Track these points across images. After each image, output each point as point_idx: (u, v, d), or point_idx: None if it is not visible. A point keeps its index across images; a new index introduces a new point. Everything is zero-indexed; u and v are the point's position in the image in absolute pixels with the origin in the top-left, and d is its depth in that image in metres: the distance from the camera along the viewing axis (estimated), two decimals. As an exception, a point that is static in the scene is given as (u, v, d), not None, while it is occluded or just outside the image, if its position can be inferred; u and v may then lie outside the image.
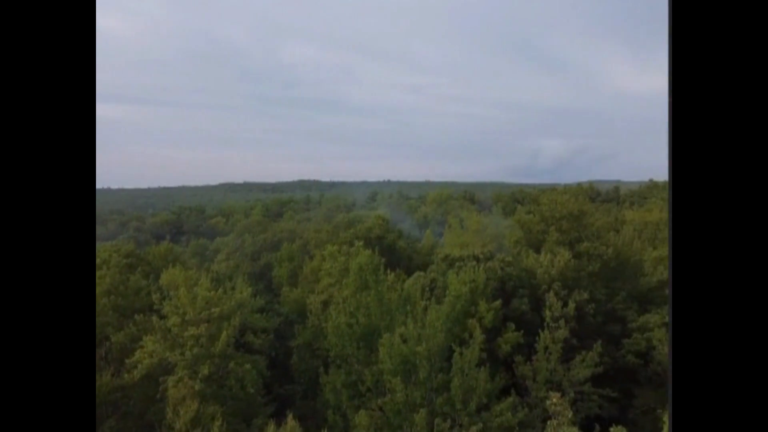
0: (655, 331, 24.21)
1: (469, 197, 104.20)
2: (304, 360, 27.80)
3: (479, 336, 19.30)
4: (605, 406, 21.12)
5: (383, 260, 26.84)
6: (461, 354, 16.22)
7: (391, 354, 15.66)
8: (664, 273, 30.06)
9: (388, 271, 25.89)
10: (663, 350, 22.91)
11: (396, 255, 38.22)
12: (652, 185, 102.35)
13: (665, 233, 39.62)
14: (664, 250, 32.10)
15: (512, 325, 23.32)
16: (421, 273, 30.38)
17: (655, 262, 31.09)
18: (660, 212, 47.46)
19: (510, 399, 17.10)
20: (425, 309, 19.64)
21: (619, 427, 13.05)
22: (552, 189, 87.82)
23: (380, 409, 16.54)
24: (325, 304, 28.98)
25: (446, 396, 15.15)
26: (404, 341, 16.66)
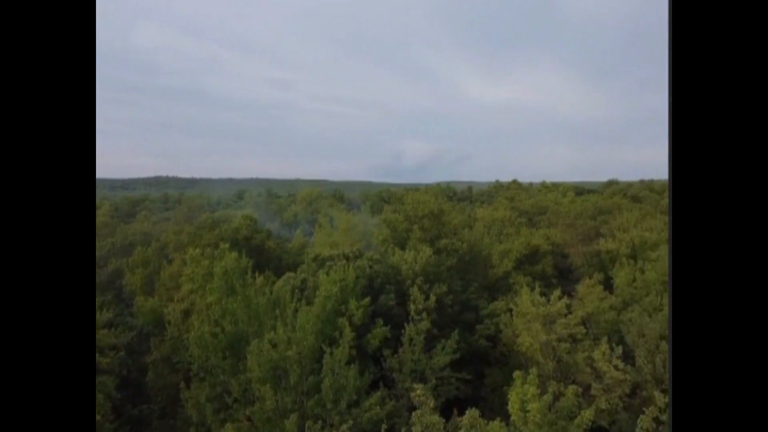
0: (502, 316, 27.36)
1: (338, 196, 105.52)
2: (162, 376, 25.49)
3: (349, 334, 19.76)
4: (462, 388, 23.26)
5: (251, 262, 25.87)
6: (331, 354, 16.45)
7: (260, 361, 15.21)
8: (509, 264, 34.09)
9: (257, 274, 25.02)
10: (508, 333, 25.97)
11: (265, 256, 37.08)
12: (498, 186, 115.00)
13: (509, 229, 44.92)
14: (509, 244, 36.41)
15: (380, 321, 24.31)
16: (292, 274, 29.97)
17: (501, 255, 35.06)
18: (504, 210, 53.60)
19: (378, 393, 17.85)
20: (295, 311, 19.45)
21: (473, 409, 14.52)
22: (415, 189, 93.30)
23: (248, 419, 15.97)
24: (186, 313, 26.93)
25: (317, 398, 15.25)
26: (274, 346, 16.31)
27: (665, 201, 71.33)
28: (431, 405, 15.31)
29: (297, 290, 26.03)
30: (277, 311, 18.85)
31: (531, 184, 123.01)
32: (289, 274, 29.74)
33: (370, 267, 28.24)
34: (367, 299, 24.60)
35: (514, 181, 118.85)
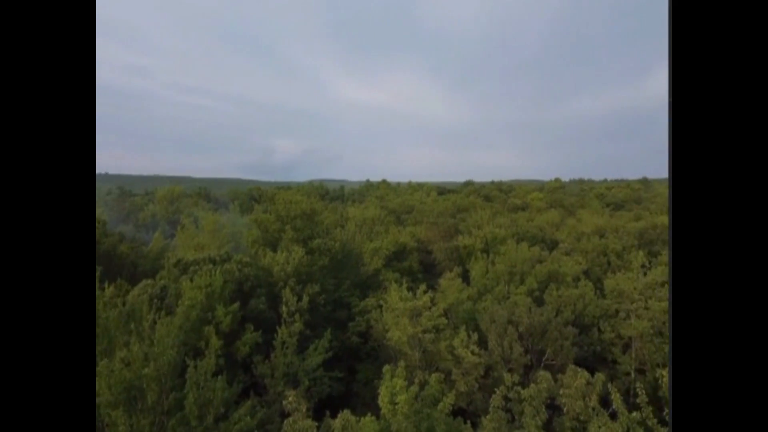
0: (373, 312, 28.39)
1: (204, 194, 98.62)
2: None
3: (216, 343, 18.71)
4: (334, 386, 23.60)
5: (99, 270, 22.93)
6: (196, 367, 15.42)
7: (110, 383, 13.58)
8: (379, 262, 35.44)
9: (106, 284, 22.26)
10: (378, 328, 27.04)
11: (116, 263, 33.15)
12: (369, 185, 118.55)
13: (379, 228, 46.69)
14: (379, 243, 37.85)
15: (251, 326, 23.46)
16: (149, 281, 27.28)
17: (372, 253, 36.29)
18: (375, 209, 55.53)
19: (248, 402, 17.24)
20: (153, 323, 17.78)
21: (346, 411, 14.87)
22: (287, 188, 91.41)
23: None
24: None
25: (180, 416, 14.16)
26: (127, 365, 14.72)
27: (511, 200, 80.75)
28: (304, 410, 15.30)
29: (156, 299, 23.80)
30: (132, 325, 17.02)
31: (399, 183, 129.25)
32: (146, 282, 27.04)
33: (240, 270, 27.05)
34: (236, 304, 23.54)
35: (384, 181, 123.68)
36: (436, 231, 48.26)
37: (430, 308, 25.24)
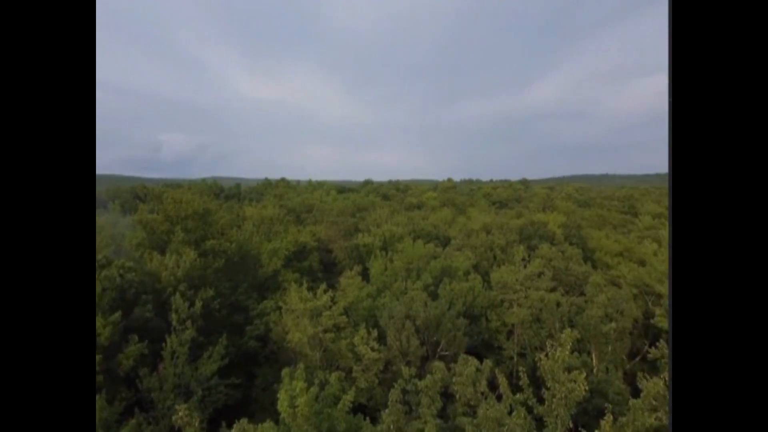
0: (272, 315, 27.69)
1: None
2: None
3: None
4: (231, 394, 22.62)
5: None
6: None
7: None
8: (278, 263, 34.62)
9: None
10: (278, 330, 26.44)
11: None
12: (267, 183, 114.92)
13: (278, 227, 45.56)
14: (278, 243, 36.96)
15: (135, 337, 21.53)
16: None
17: (271, 253, 35.34)
18: (273, 208, 54.05)
19: (133, 420, 15.84)
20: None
21: (243, 419, 14.35)
22: (177, 185, 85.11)
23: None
24: None
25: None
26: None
27: (408, 199, 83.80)
28: (196, 423, 14.47)
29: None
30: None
31: (299, 182, 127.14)
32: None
33: (122, 276, 24.65)
34: (118, 314, 21.42)
35: (283, 179, 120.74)
36: (337, 230, 48.43)
37: (330, 307, 25.30)
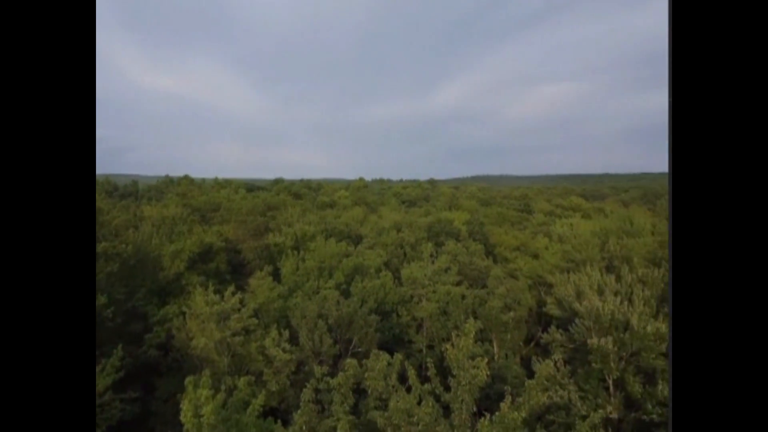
0: (174, 320, 25.98)
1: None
2: None
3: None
4: (128, 409, 20.89)
5: None
6: None
7: None
8: (181, 265, 32.53)
9: None
10: (181, 337, 24.89)
11: None
12: (169, 181, 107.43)
13: (182, 227, 42.80)
14: (181, 244, 34.73)
15: (8, 354, 19.02)
16: None
17: (173, 255, 33.12)
18: (176, 207, 50.66)
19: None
20: None
21: None
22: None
23: None
24: None
25: None
26: None
27: (320, 198, 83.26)
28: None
29: None
30: None
31: (204, 179, 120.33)
32: None
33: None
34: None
35: (186, 177, 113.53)
36: (246, 229, 46.67)
37: (239, 310, 24.38)
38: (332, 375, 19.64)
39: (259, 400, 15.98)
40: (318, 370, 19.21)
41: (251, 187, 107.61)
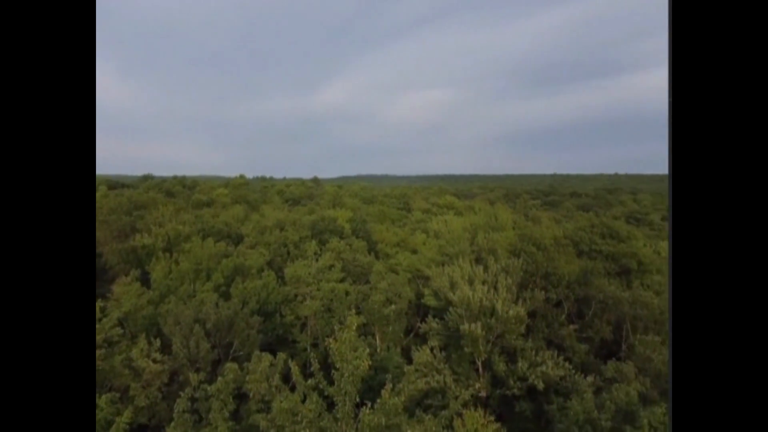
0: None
1: None
2: None
3: None
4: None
5: None
6: None
7: None
8: None
9: None
10: None
11: None
12: None
13: None
14: None
15: None
16: None
17: None
18: None
19: None
20: None
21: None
22: None
23: None
24: None
25: None
26: None
27: (196, 196, 77.91)
28: None
29: None
30: None
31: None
32: None
33: None
34: None
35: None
36: (108, 230, 41.81)
37: (100, 320, 21.83)
38: (210, 382, 18.61)
39: (124, 418, 14.57)
40: (194, 377, 18.07)
41: (114, 184, 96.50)
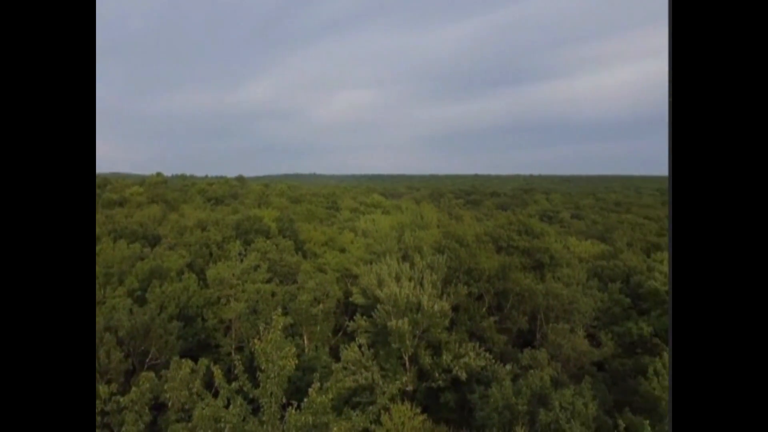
0: None
1: None
2: None
3: None
4: None
5: None
6: None
7: None
8: None
9: None
10: None
11: None
12: None
13: None
14: None
15: None
16: None
17: None
18: None
19: None
20: None
21: None
22: None
23: None
24: None
25: None
26: None
27: (107, 195, 72.12)
28: None
29: None
30: None
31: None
32: None
33: None
34: None
35: None
36: (-3, 233, 37.36)
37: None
38: (123, 393, 17.36)
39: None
40: (104, 389, 16.75)
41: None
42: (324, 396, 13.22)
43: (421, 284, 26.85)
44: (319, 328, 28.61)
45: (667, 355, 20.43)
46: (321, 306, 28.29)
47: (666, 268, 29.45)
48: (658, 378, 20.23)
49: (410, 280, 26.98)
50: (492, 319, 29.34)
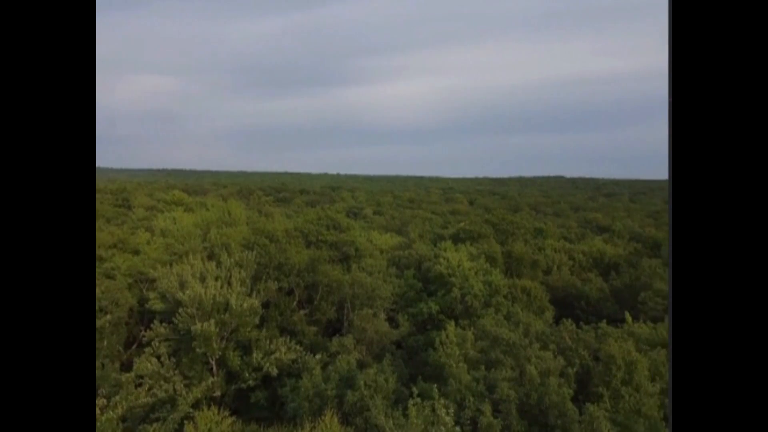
0: None
1: None
2: None
3: None
4: None
5: None
6: None
7: None
8: None
9: None
10: None
11: None
12: None
13: None
14: None
15: None
16: None
17: None
18: None
19: None
20: None
21: None
22: None
23: None
24: None
25: None
26: None
27: None
28: None
29: None
30: None
31: None
32: None
33: None
34: None
35: None
36: None
37: None
38: None
39: None
40: None
41: None
42: (111, 412, 11.71)
43: (229, 283, 25.77)
44: (106, 342, 24.91)
45: (450, 328, 24.02)
46: (108, 317, 24.68)
47: (449, 254, 34.50)
48: (443, 347, 23.60)
49: (217, 279, 25.63)
50: (302, 312, 29.94)
